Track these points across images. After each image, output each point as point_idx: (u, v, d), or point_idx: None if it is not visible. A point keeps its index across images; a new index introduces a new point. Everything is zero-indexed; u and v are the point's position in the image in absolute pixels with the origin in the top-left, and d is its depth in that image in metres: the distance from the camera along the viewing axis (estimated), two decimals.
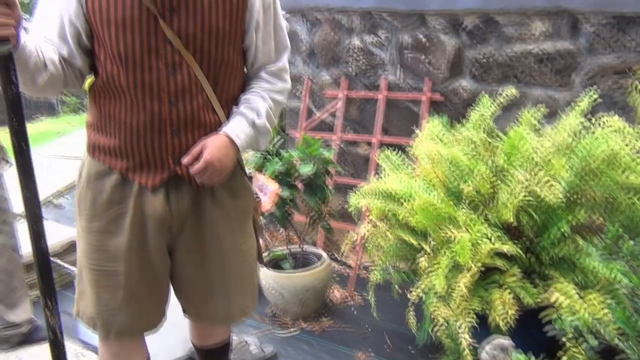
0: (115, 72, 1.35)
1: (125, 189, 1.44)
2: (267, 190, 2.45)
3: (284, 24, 1.54)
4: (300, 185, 2.68)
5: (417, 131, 2.52)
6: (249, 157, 2.71)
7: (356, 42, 3.17)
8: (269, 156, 2.65)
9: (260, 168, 2.61)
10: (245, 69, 1.54)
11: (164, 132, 1.40)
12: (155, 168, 1.43)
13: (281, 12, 1.53)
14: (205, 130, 1.43)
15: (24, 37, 1.23)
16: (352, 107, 3.27)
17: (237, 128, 1.44)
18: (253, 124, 1.46)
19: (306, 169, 2.56)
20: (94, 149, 1.47)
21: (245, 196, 1.60)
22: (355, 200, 2.35)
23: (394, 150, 2.53)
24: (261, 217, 2.28)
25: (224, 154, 1.40)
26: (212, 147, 1.38)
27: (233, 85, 1.48)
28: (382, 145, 3.04)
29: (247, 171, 1.62)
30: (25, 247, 2.29)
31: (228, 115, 1.47)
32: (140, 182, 1.43)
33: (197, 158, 1.38)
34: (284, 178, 2.61)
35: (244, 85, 1.54)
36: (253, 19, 1.43)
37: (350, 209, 2.42)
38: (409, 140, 2.59)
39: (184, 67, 1.36)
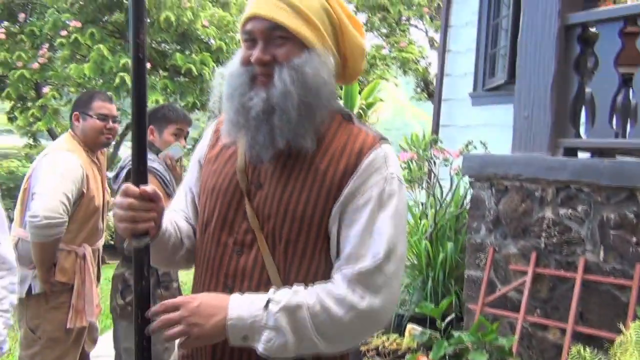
0: (197, 242, 1.29)
1: None
2: None
3: (388, 228, 1.16)
4: None
5: (622, 327, 2.09)
6: (414, 332, 2.49)
7: (549, 214, 2.87)
8: (436, 335, 2.40)
9: (425, 349, 2.36)
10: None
11: None
12: None
13: (392, 213, 1.17)
14: None
15: (164, 222, 1.20)
16: (541, 284, 2.89)
17: (246, 299, 1.13)
18: (266, 305, 1.10)
19: (479, 359, 2.25)
20: None
21: None
22: None
23: (591, 346, 2.11)
24: None
25: (210, 311, 1.10)
26: (202, 296, 1.14)
27: (311, 280, 1.19)
28: (577, 335, 2.59)
29: None
30: None
31: None
32: None
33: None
34: None
35: None
36: (341, 211, 1.17)
37: None
38: (611, 334, 2.16)
39: (254, 249, 1.19)
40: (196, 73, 8.40)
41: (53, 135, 9.49)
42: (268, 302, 1.11)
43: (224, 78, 1.24)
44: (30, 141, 10.13)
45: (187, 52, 8.84)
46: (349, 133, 1.22)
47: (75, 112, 2.61)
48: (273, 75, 1.15)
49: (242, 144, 1.23)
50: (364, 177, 1.17)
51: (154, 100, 8.22)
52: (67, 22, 8.10)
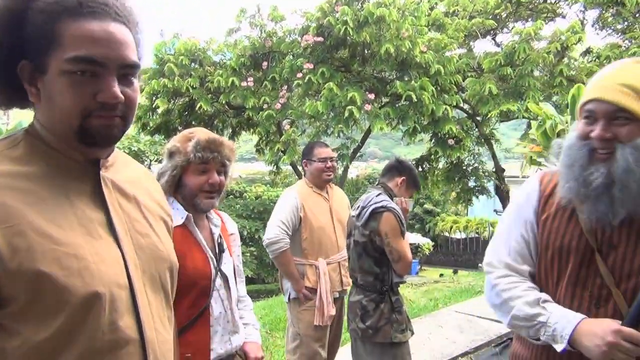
0: (549, 292, 1.39)
1: None
2: None
3: None
4: None
5: None
6: None
7: None
8: None
9: None
10: None
11: None
12: None
13: None
14: None
15: None
16: None
17: None
18: None
19: None
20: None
21: None
22: None
23: None
24: None
25: None
26: None
27: None
28: None
29: None
30: None
31: None
32: None
33: None
34: None
35: None
36: None
37: None
38: None
39: (610, 303, 1.29)
40: (415, 99, 8.65)
41: (294, 167, 10.67)
42: None
43: (561, 147, 1.37)
44: (274, 169, 11.41)
45: (406, 79, 9.20)
46: None
47: (304, 161, 3.34)
48: (613, 151, 1.25)
49: (581, 207, 1.33)
50: None
51: (378, 127, 8.74)
52: (302, 65, 9.12)
